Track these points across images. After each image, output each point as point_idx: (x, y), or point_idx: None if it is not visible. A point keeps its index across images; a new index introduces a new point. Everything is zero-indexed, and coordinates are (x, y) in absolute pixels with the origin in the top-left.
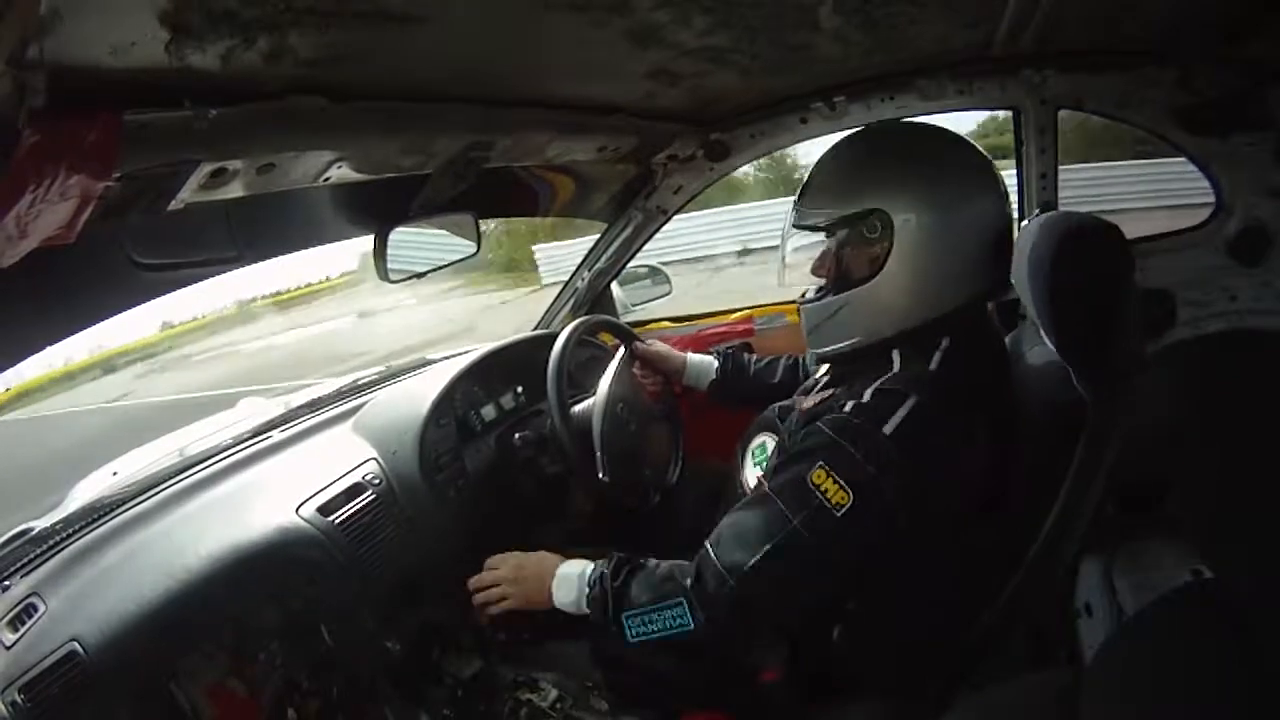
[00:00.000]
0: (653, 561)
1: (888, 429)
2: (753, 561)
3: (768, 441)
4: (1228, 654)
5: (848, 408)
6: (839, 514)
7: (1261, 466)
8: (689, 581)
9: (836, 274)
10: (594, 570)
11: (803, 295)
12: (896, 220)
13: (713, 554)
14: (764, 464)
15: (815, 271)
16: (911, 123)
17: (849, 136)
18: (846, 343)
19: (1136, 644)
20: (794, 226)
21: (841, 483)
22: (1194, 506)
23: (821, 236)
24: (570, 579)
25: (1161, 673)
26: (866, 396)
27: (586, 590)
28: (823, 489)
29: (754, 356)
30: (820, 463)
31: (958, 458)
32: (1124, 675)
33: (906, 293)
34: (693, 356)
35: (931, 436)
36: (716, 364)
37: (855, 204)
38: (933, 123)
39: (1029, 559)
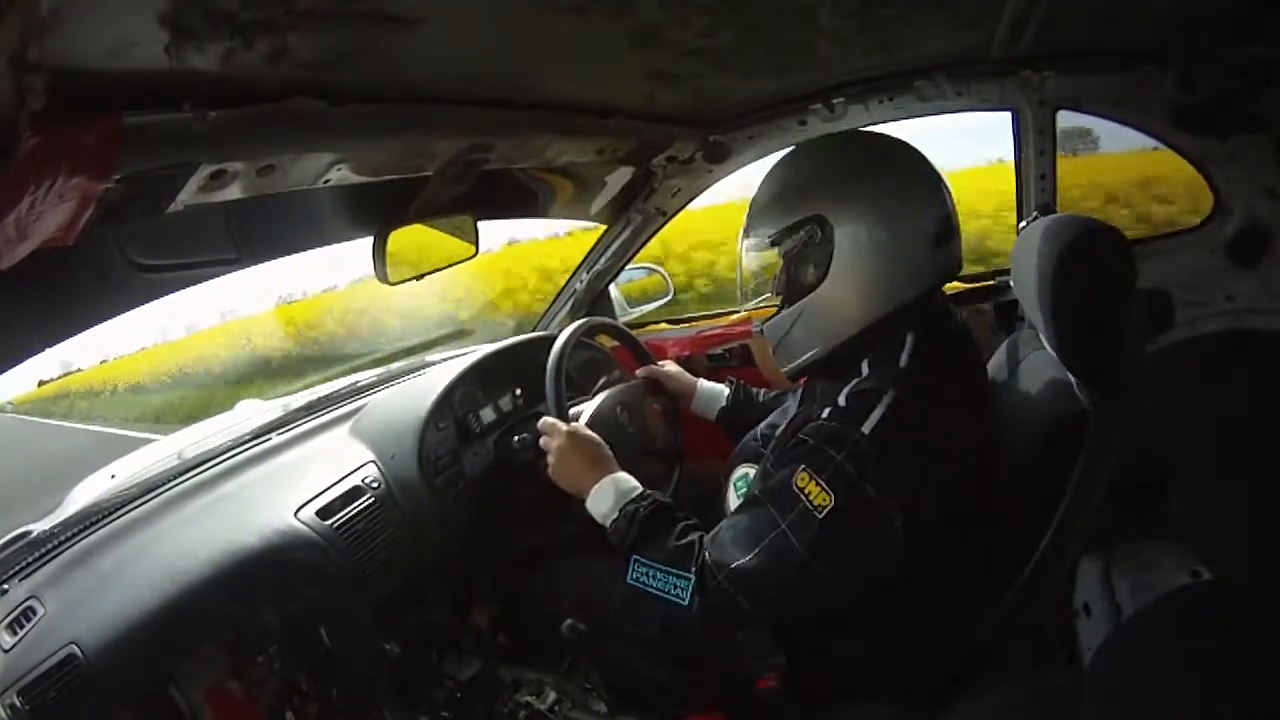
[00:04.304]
0: (685, 522)
1: (866, 428)
2: (742, 561)
3: (749, 472)
4: (1226, 655)
5: (825, 414)
6: (821, 515)
7: (1260, 467)
8: (696, 566)
9: (788, 287)
10: (633, 500)
11: (765, 320)
12: (834, 224)
13: (708, 551)
14: (745, 495)
15: (773, 289)
16: (842, 132)
17: (784, 155)
18: (810, 354)
19: (1135, 644)
20: (743, 247)
21: (823, 484)
22: (1192, 507)
23: (774, 255)
24: (610, 494)
25: (1160, 673)
26: (842, 401)
27: (616, 514)
28: (806, 491)
29: (764, 390)
30: (803, 466)
31: (943, 449)
32: (1123, 676)
33: (855, 293)
34: (703, 384)
35: (912, 431)
36: (727, 392)
37: (792, 215)
38: (872, 130)
39: (1030, 566)
